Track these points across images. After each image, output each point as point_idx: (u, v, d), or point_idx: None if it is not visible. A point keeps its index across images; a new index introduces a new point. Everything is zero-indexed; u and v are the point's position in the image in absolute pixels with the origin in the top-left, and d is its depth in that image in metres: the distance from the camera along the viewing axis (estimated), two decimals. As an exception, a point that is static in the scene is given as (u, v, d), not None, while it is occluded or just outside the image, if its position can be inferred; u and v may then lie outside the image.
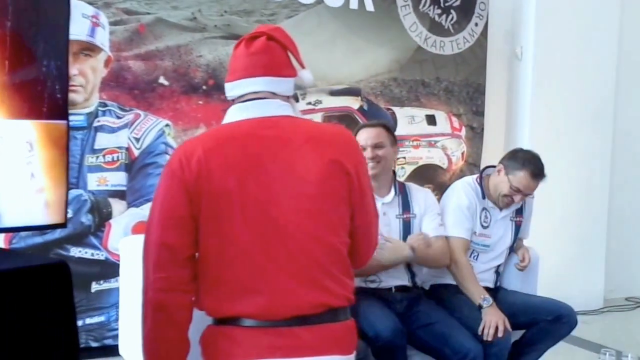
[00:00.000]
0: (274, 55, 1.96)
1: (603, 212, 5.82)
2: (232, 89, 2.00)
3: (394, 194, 3.30)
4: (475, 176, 3.59)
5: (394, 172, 3.39)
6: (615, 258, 5.98)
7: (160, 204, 1.93)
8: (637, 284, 6.16)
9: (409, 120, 5.09)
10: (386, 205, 3.26)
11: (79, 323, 3.94)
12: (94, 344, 4.08)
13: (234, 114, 1.99)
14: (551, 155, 5.34)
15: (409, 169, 5.10)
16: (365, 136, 3.24)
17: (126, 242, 3.50)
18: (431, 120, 5.19)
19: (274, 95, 1.96)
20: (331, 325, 1.92)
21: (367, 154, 3.18)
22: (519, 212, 3.57)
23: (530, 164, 3.43)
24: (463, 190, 3.49)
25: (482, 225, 3.47)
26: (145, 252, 1.94)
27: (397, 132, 4.92)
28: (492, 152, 5.36)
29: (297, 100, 4.65)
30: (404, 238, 3.26)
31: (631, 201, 6.16)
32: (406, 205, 3.32)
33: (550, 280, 5.39)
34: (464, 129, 5.33)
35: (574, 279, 5.52)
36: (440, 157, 5.23)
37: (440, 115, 5.23)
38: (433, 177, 5.21)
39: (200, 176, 1.88)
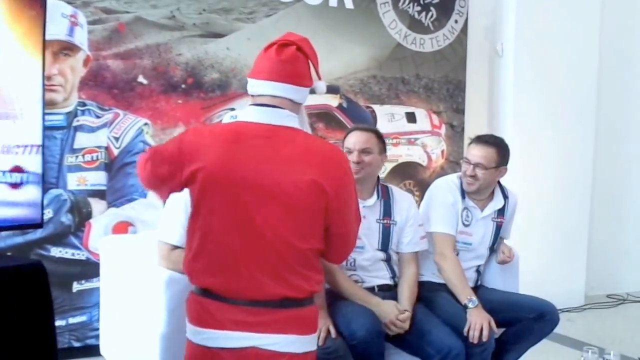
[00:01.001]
0: (299, 65, 2.23)
1: (585, 209, 5.92)
2: (257, 86, 2.23)
3: (377, 198, 3.36)
4: (458, 174, 3.66)
5: (378, 177, 3.45)
6: (596, 255, 6.08)
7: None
8: (618, 281, 6.28)
9: (388, 118, 5.18)
10: (367, 209, 3.32)
11: (61, 323, 4.08)
12: (76, 344, 4.15)
13: (249, 115, 2.24)
14: (532, 152, 5.52)
15: (389, 166, 5.18)
16: (354, 140, 3.31)
17: (106, 242, 3.58)
18: (411, 117, 5.27)
19: (289, 101, 2.22)
20: (291, 310, 2.18)
21: (353, 157, 3.25)
22: (501, 212, 3.63)
23: (476, 137, 3.59)
24: (447, 187, 3.57)
25: (464, 224, 3.54)
26: None
27: (377, 130, 5.07)
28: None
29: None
30: (383, 243, 3.34)
31: (613, 198, 6.28)
32: (387, 211, 3.38)
33: (532, 277, 5.49)
34: (444, 126, 5.41)
35: (555, 276, 5.63)
36: (420, 155, 5.32)
37: (420, 113, 5.32)
38: (413, 175, 5.31)
39: (192, 156, 2.16)
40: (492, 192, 3.62)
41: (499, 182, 3.64)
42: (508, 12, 5.55)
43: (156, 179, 2.26)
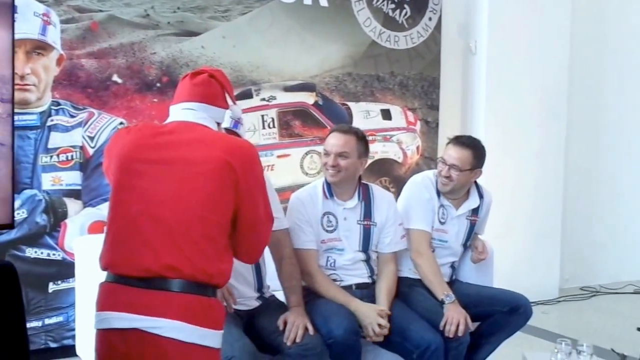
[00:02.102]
0: (211, 88, 2.46)
1: (558, 203, 6.05)
2: (175, 110, 2.46)
3: (357, 200, 3.41)
4: (434, 170, 3.70)
5: (360, 178, 3.48)
6: (570, 249, 6.22)
7: None
8: (591, 273, 6.42)
9: (364, 115, 5.25)
10: (348, 211, 3.39)
11: (38, 324, 4.11)
12: (53, 345, 4.18)
13: (170, 117, 2.47)
14: (506, 147, 5.62)
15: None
16: (332, 142, 3.34)
17: (80, 242, 3.62)
18: (386, 114, 5.35)
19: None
20: (183, 295, 2.20)
21: (330, 160, 3.30)
22: (475, 211, 3.71)
23: (454, 137, 3.66)
24: (423, 184, 3.63)
25: (440, 222, 3.61)
26: None
27: (353, 127, 5.15)
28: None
29: (250, 96, 4.83)
30: (364, 244, 3.40)
31: (585, 192, 6.41)
32: (368, 213, 3.43)
33: (506, 271, 5.61)
34: (419, 123, 5.50)
35: (530, 269, 5.76)
36: (395, 151, 5.40)
37: (395, 110, 5.40)
38: (389, 171, 5.38)
39: (116, 153, 2.35)
40: (468, 192, 3.69)
41: (475, 182, 3.71)
42: (481, 9, 5.65)
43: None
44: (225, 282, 2.36)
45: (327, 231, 3.39)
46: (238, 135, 3.00)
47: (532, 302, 5.43)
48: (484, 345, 3.54)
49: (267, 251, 3.24)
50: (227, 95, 2.53)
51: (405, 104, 5.46)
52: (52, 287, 4.17)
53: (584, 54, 6.17)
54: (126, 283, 2.21)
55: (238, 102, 4.66)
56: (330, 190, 3.41)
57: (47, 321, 4.19)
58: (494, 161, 5.60)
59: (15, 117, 3.93)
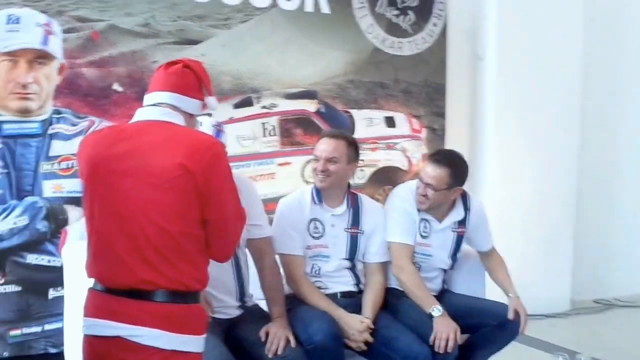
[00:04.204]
0: (184, 78, 2.53)
1: (570, 213, 6.14)
2: (147, 99, 2.55)
3: (346, 207, 3.55)
4: (416, 181, 3.69)
5: (349, 185, 3.61)
6: (582, 260, 6.28)
7: None
8: (605, 285, 6.47)
9: (367, 122, 5.46)
10: (336, 217, 3.53)
11: (37, 329, 4.36)
12: (52, 350, 4.35)
13: (135, 116, 2.54)
14: (517, 155, 5.79)
15: (368, 171, 5.47)
16: (322, 147, 3.47)
17: (69, 249, 3.78)
18: (390, 122, 5.55)
19: (174, 108, 2.49)
20: (162, 305, 2.33)
21: (319, 166, 3.44)
22: (462, 223, 3.73)
23: (432, 153, 3.74)
24: (404, 196, 3.68)
25: (422, 235, 3.66)
26: None
27: (356, 135, 5.33)
28: (458, 153, 5.79)
29: (251, 104, 5.06)
30: (350, 252, 3.53)
31: (598, 202, 6.48)
32: (356, 220, 3.56)
33: (516, 282, 5.77)
34: (424, 130, 5.68)
35: (539, 281, 5.80)
36: (399, 159, 5.58)
37: (400, 117, 5.60)
38: (394, 179, 5.51)
39: (85, 161, 2.45)
40: (452, 204, 3.72)
41: (462, 193, 3.74)
42: (488, 15, 5.79)
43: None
44: (204, 287, 2.49)
45: (313, 237, 3.51)
46: None
47: (543, 315, 5.76)
48: (474, 358, 3.61)
49: (250, 259, 3.41)
50: (203, 87, 2.57)
51: (409, 111, 5.64)
52: (52, 293, 4.33)
53: (597, 58, 6.22)
54: (109, 292, 2.36)
55: (239, 110, 5.00)
56: (319, 196, 3.54)
57: (47, 327, 4.35)
58: (503, 169, 5.83)
59: (17, 125, 4.29)
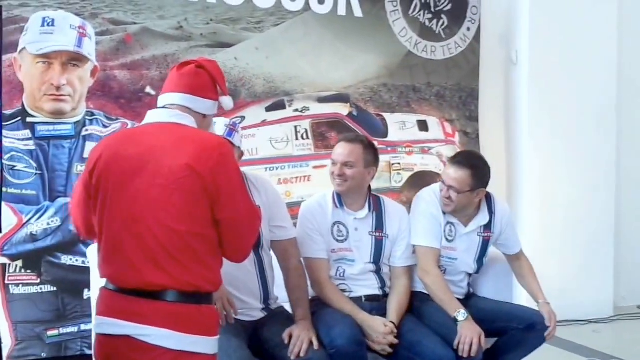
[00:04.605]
0: (197, 78, 2.54)
1: (610, 216, 6.08)
2: (160, 100, 2.58)
3: (368, 211, 3.55)
4: (440, 184, 3.68)
5: (370, 188, 3.61)
6: (626, 264, 6.23)
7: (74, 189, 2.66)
8: None
9: (400, 126, 5.46)
10: (358, 221, 3.53)
11: (74, 330, 4.41)
12: (88, 352, 4.38)
13: (145, 119, 2.58)
14: (553, 159, 5.77)
15: (405, 175, 5.46)
16: (338, 152, 3.49)
17: (94, 249, 3.82)
18: (423, 126, 5.54)
19: (187, 109, 2.51)
20: (172, 304, 2.34)
21: (336, 170, 3.46)
22: (487, 227, 3.70)
23: (453, 156, 3.73)
24: (429, 199, 3.67)
25: (447, 239, 3.64)
26: None
27: (389, 138, 5.35)
28: (493, 157, 5.62)
29: (283, 107, 5.09)
30: (375, 255, 3.52)
31: (639, 204, 6.39)
32: (380, 224, 3.56)
33: (555, 286, 5.70)
34: (457, 134, 5.67)
35: (581, 286, 5.80)
36: (436, 164, 5.54)
37: (432, 121, 5.59)
38: (430, 183, 5.43)
39: (94, 166, 2.44)
40: (478, 207, 3.70)
41: (487, 196, 3.73)
42: (522, 18, 5.80)
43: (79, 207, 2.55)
44: (217, 288, 2.50)
45: (337, 241, 3.51)
46: (232, 144, 3.09)
47: (584, 321, 5.75)
48: None
49: (275, 261, 3.42)
50: (217, 86, 2.60)
51: (442, 115, 5.64)
52: (87, 293, 4.36)
53: (633, 58, 6.19)
54: (120, 292, 2.38)
55: (272, 113, 5.02)
56: (340, 199, 3.55)
57: (83, 327, 4.43)
58: (540, 173, 5.81)
59: (51, 127, 4.36)
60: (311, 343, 3.11)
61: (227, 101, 2.65)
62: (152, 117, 2.54)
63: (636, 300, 6.34)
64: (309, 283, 3.47)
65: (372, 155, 3.54)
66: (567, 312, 5.66)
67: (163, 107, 2.53)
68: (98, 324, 2.44)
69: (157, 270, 2.32)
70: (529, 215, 5.84)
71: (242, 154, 3.41)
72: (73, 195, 2.67)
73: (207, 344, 2.41)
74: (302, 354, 3.06)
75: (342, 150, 3.49)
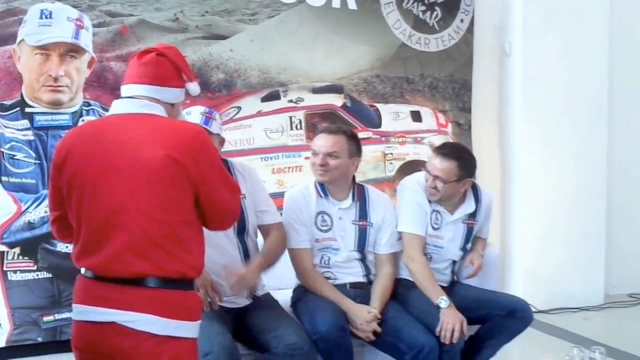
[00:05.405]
0: (159, 67, 2.51)
1: (601, 205, 6.15)
2: (124, 90, 2.55)
3: (352, 200, 3.62)
4: (424, 174, 3.73)
5: (354, 178, 3.68)
6: (616, 253, 6.30)
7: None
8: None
9: (393, 116, 5.55)
10: (342, 211, 3.60)
11: (69, 315, 4.48)
12: None
13: (110, 109, 2.57)
14: (546, 150, 5.85)
15: (396, 164, 5.57)
16: (320, 143, 3.55)
17: None
18: (416, 116, 5.64)
19: (155, 100, 2.50)
20: (155, 290, 2.37)
21: (318, 160, 3.51)
22: (472, 215, 3.79)
23: (439, 147, 3.80)
24: (414, 188, 3.73)
25: (433, 227, 3.71)
26: None
27: (382, 128, 5.46)
28: (486, 148, 5.86)
29: (278, 97, 5.20)
30: (359, 244, 3.60)
31: (631, 194, 6.46)
32: (363, 213, 3.63)
33: (547, 274, 5.84)
34: (450, 125, 5.76)
35: (572, 274, 5.91)
36: (427, 153, 5.58)
37: (426, 112, 5.69)
38: None
39: (64, 159, 2.44)
40: (464, 196, 3.77)
41: (473, 185, 3.81)
42: (515, 10, 5.86)
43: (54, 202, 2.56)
44: (199, 273, 2.51)
45: (321, 230, 3.59)
46: (210, 132, 3.13)
47: (576, 308, 5.83)
48: (483, 349, 3.64)
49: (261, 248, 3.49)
50: (182, 73, 2.55)
51: (435, 105, 5.73)
52: None
53: (624, 52, 6.24)
54: (101, 280, 2.37)
55: (267, 104, 5.14)
56: (324, 189, 3.62)
57: (77, 312, 4.56)
58: (533, 163, 5.90)
59: (49, 117, 4.49)
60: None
61: (193, 87, 2.62)
62: (120, 107, 2.51)
63: (627, 288, 6.41)
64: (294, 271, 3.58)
65: (355, 145, 3.60)
66: (558, 300, 5.84)
67: (130, 97, 2.50)
68: (79, 312, 2.43)
69: (143, 260, 2.35)
70: (522, 206, 5.95)
71: (222, 141, 3.43)
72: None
73: (190, 329, 2.45)
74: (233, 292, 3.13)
75: (324, 141, 3.55)
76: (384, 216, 3.67)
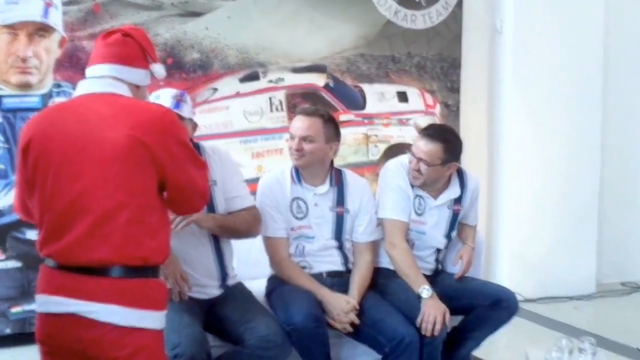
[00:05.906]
0: (125, 47, 2.49)
1: (594, 192, 6.05)
2: (89, 72, 2.52)
3: (329, 186, 3.53)
4: (408, 156, 3.65)
5: (332, 162, 3.59)
6: (609, 242, 6.21)
7: None
8: (633, 268, 6.36)
9: (378, 97, 5.42)
10: (318, 197, 3.52)
11: (34, 306, 4.39)
12: None
13: (76, 91, 2.53)
14: (537, 132, 5.74)
15: (382, 147, 5.44)
16: (297, 125, 3.46)
17: None
18: (402, 97, 5.51)
19: (119, 80, 2.46)
20: (118, 280, 2.33)
21: (294, 144, 3.42)
22: (457, 200, 3.72)
23: (425, 128, 3.72)
24: (397, 172, 3.65)
25: (417, 213, 3.64)
26: None
27: (367, 110, 5.33)
28: (475, 129, 5.74)
29: (257, 78, 5.06)
30: (336, 231, 3.53)
31: (625, 179, 6.35)
32: (340, 199, 3.55)
33: (536, 262, 5.76)
34: (438, 105, 5.63)
35: (564, 263, 5.81)
36: (413, 136, 5.56)
37: (412, 92, 5.55)
38: None
39: (28, 143, 2.41)
40: (448, 181, 3.69)
41: (458, 170, 3.72)
42: (507, -15, 5.68)
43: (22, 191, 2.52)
44: (165, 258, 2.48)
45: (296, 218, 3.50)
46: (181, 117, 3.08)
47: (566, 297, 5.69)
48: (467, 340, 3.62)
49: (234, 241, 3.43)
50: (147, 55, 2.55)
51: (423, 86, 5.59)
52: None
53: (619, 32, 6.11)
54: (63, 269, 2.34)
55: (245, 85, 5.01)
56: (298, 174, 3.52)
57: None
58: (523, 147, 5.80)
59: (18, 99, 4.38)
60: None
61: (158, 69, 2.61)
62: (85, 88, 2.48)
63: (619, 277, 6.33)
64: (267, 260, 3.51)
65: (332, 129, 3.50)
66: (547, 288, 5.75)
67: (95, 77, 2.48)
68: (42, 303, 2.41)
69: (106, 246, 2.31)
70: (512, 191, 5.84)
71: (195, 125, 3.37)
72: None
73: (155, 319, 2.41)
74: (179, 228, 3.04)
75: (300, 123, 3.46)
76: (360, 202, 3.57)
